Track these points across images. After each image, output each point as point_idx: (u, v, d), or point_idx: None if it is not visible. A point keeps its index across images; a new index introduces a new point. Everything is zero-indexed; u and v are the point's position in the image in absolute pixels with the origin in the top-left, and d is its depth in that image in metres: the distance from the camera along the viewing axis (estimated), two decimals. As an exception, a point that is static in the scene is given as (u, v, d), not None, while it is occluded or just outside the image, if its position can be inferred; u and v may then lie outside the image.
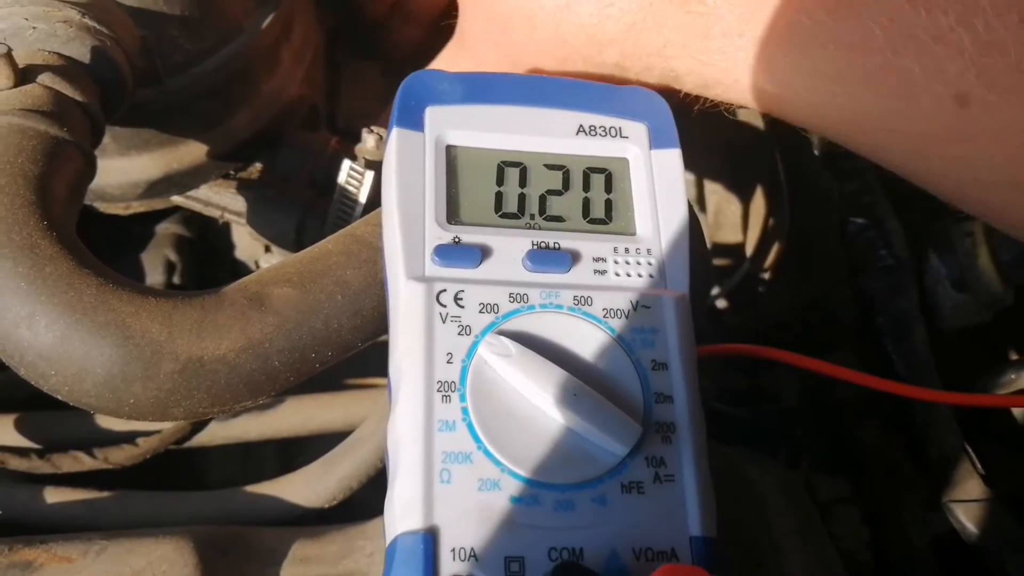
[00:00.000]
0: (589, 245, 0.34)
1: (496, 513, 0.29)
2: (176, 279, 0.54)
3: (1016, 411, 0.60)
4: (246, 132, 0.50)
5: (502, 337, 0.31)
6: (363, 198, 0.46)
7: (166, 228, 0.55)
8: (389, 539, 0.29)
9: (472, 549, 0.28)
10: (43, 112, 0.36)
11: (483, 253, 0.33)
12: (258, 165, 0.51)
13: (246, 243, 0.56)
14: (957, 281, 0.53)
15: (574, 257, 0.34)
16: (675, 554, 0.29)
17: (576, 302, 0.33)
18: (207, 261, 0.57)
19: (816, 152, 0.57)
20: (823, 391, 0.59)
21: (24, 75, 0.37)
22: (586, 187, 0.36)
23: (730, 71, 0.36)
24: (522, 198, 0.35)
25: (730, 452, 0.40)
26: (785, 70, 0.35)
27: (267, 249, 0.55)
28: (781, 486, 0.40)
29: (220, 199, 0.50)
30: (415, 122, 0.35)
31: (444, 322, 0.32)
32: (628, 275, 0.34)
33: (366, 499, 0.49)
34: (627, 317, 0.33)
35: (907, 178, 0.36)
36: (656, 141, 0.37)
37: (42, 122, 0.36)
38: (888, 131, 0.34)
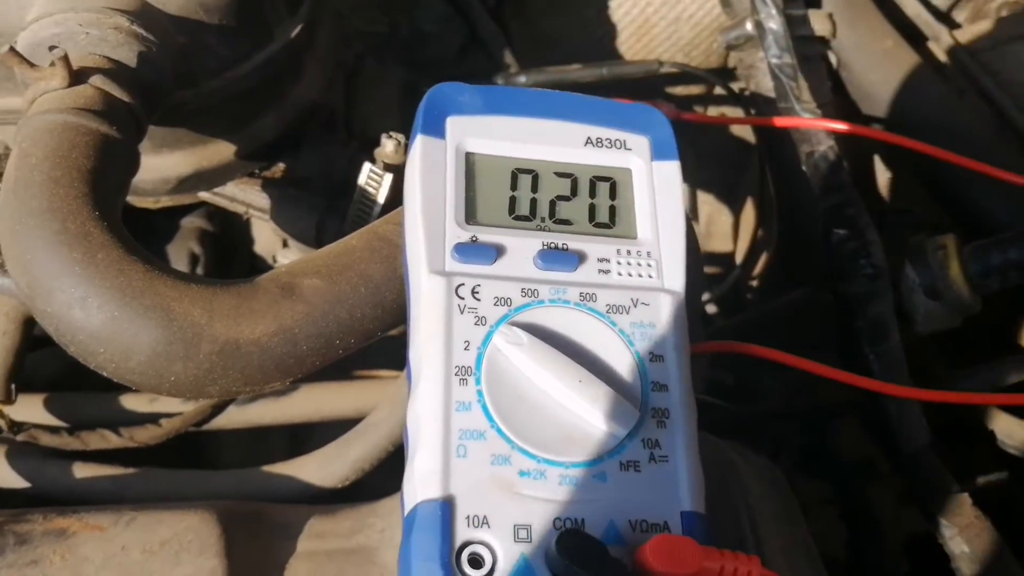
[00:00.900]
0: (594, 247, 0.37)
1: (507, 485, 0.31)
2: (200, 270, 0.57)
3: (981, 409, 0.63)
4: (271, 133, 0.53)
5: (515, 327, 0.34)
6: (382, 199, 0.49)
7: (190, 222, 0.57)
8: (408, 508, 0.32)
9: (485, 516, 0.31)
10: (94, 111, 0.39)
11: (498, 251, 0.36)
12: (281, 165, 0.54)
13: (265, 239, 0.59)
14: (930, 289, 0.56)
15: (580, 257, 0.37)
16: (667, 526, 0.32)
17: (582, 298, 0.36)
18: (227, 255, 0.59)
19: (803, 168, 0.60)
20: (803, 393, 0.62)
21: (78, 77, 0.40)
22: (592, 194, 0.38)
23: None
24: (534, 202, 0.38)
25: (716, 440, 0.43)
26: None
27: (284, 245, 0.58)
28: (762, 474, 0.43)
29: (245, 196, 0.53)
30: (438, 130, 0.38)
31: (462, 313, 0.34)
32: (630, 275, 0.37)
33: (376, 485, 0.51)
34: (628, 313, 0.36)
35: None
36: (657, 153, 0.40)
37: (94, 120, 0.39)
38: None
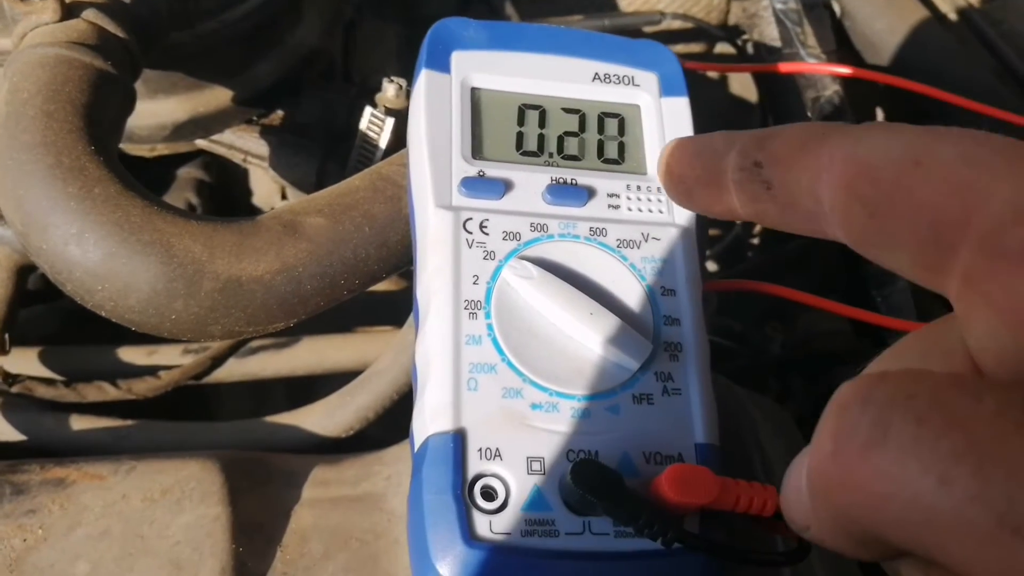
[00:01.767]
0: (603, 182, 0.36)
1: (518, 418, 0.31)
2: (196, 221, 0.55)
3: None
4: (269, 80, 0.52)
5: (525, 261, 0.34)
6: (383, 144, 0.48)
7: (187, 172, 0.56)
8: (419, 443, 0.32)
9: (497, 449, 0.31)
10: (88, 45, 0.38)
11: (506, 186, 0.35)
12: (280, 112, 0.53)
13: (263, 189, 0.58)
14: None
15: (590, 193, 0.36)
16: (682, 458, 0.32)
17: (592, 233, 0.35)
18: (225, 206, 0.58)
19: (808, 115, 0.59)
20: (806, 344, 0.62)
21: (69, 11, 0.39)
22: (601, 130, 0.38)
23: None
24: (541, 138, 0.37)
25: (727, 380, 0.43)
26: None
27: (283, 195, 0.57)
28: (771, 416, 0.42)
29: (243, 143, 0.52)
30: (443, 65, 0.37)
31: (470, 247, 0.34)
32: (640, 210, 0.36)
33: (378, 437, 0.51)
34: (639, 247, 0.35)
35: None
36: (666, 89, 0.39)
37: (87, 54, 0.38)
38: None
